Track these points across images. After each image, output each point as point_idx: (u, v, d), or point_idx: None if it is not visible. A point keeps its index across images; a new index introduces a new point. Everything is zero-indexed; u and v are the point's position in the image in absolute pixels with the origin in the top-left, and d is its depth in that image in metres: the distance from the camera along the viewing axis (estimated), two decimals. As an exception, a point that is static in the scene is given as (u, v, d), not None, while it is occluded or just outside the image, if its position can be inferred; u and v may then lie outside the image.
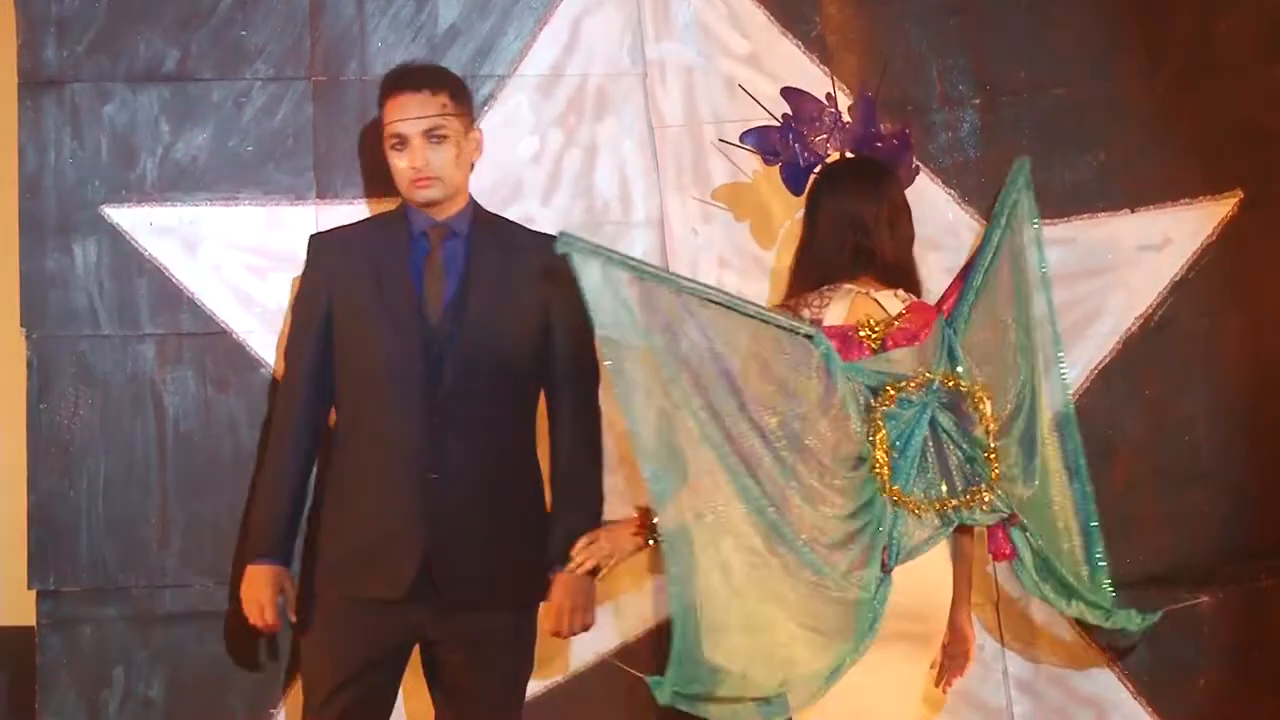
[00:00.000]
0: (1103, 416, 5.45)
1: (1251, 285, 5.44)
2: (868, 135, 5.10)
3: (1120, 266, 5.48)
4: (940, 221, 5.44)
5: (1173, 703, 5.40)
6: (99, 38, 5.37)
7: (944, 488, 4.70)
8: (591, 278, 4.50)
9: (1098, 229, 5.51)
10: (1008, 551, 4.90)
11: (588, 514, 4.75)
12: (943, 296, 4.98)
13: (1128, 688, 5.38)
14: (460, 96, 4.84)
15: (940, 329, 4.75)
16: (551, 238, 4.53)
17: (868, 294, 4.76)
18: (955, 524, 4.71)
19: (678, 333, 4.53)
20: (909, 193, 5.36)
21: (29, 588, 5.10)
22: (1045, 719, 5.46)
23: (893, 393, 4.65)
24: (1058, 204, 5.48)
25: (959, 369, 4.75)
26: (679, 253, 5.44)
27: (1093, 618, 4.99)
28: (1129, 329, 5.45)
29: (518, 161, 5.47)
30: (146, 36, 5.37)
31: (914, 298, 4.81)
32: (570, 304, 4.52)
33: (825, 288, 4.76)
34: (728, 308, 4.63)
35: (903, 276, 4.84)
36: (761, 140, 5.11)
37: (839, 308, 4.72)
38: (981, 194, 5.50)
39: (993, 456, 4.74)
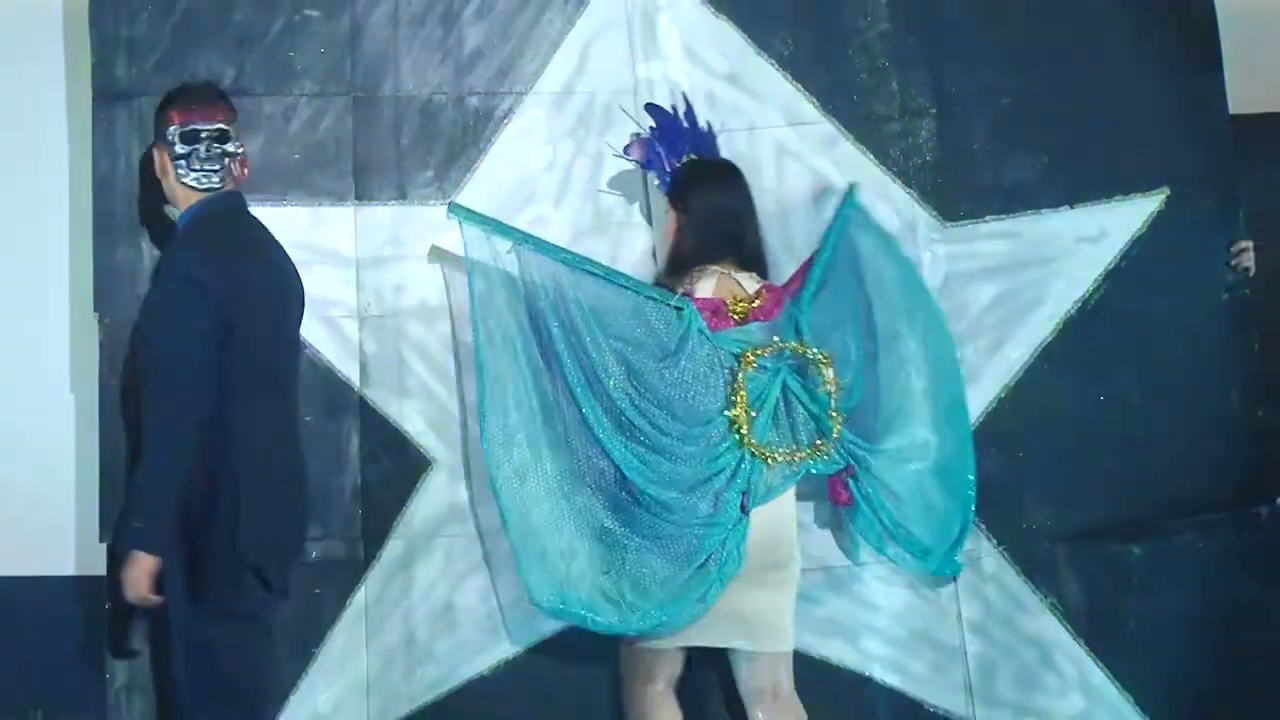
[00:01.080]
0: (1044, 390, 5.71)
1: (1178, 272, 5.75)
2: (697, 135, 5.49)
3: (1060, 257, 5.76)
4: (903, 218, 5.71)
5: (1106, 641, 5.68)
6: (164, 57, 5.56)
7: (793, 441, 5.16)
8: (475, 243, 5.18)
9: (1040, 224, 5.80)
10: (844, 499, 5.32)
11: (130, 501, 4.99)
12: (788, 282, 5.34)
13: (1067, 629, 5.65)
14: (155, 124, 5.15)
15: (787, 308, 5.19)
16: (180, 250, 4.96)
17: (730, 275, 5.21)
18: (803, 472, 5.15)
19: (541, 293, 5.14)
20: (871, 187, 5.65)
21: (100, 541, 5.30)
22: (995, 657, 5.68)
23: (752, 358, 5.13)
24: (1004, 201, 5.77)
25: (806, 340, 5.18)
26: (663, 249, 5.60)
27: (912, 562, 5.41)
28: (1068, 313, 5.74)
29: (533, 169, 5.71)
30: (206, 56, 5.58)
31: (764, 280, 5.24)
32: (145, 308, 5.02)
33: (696, 269, 5.20)
34: (603, 278, 5.18)
35: (756, 262, 5.28)
36: (639, 151, 5.48)
37: (708, 284, 5.20)
38: (938, 193, 5.76)
39: (834, 414, 5.18)
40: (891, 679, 5.67)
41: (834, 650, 5.63)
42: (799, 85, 5.79)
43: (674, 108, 5.51)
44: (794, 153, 5.82)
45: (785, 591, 5.16)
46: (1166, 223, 5.79)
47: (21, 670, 5.62)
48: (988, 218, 5.79)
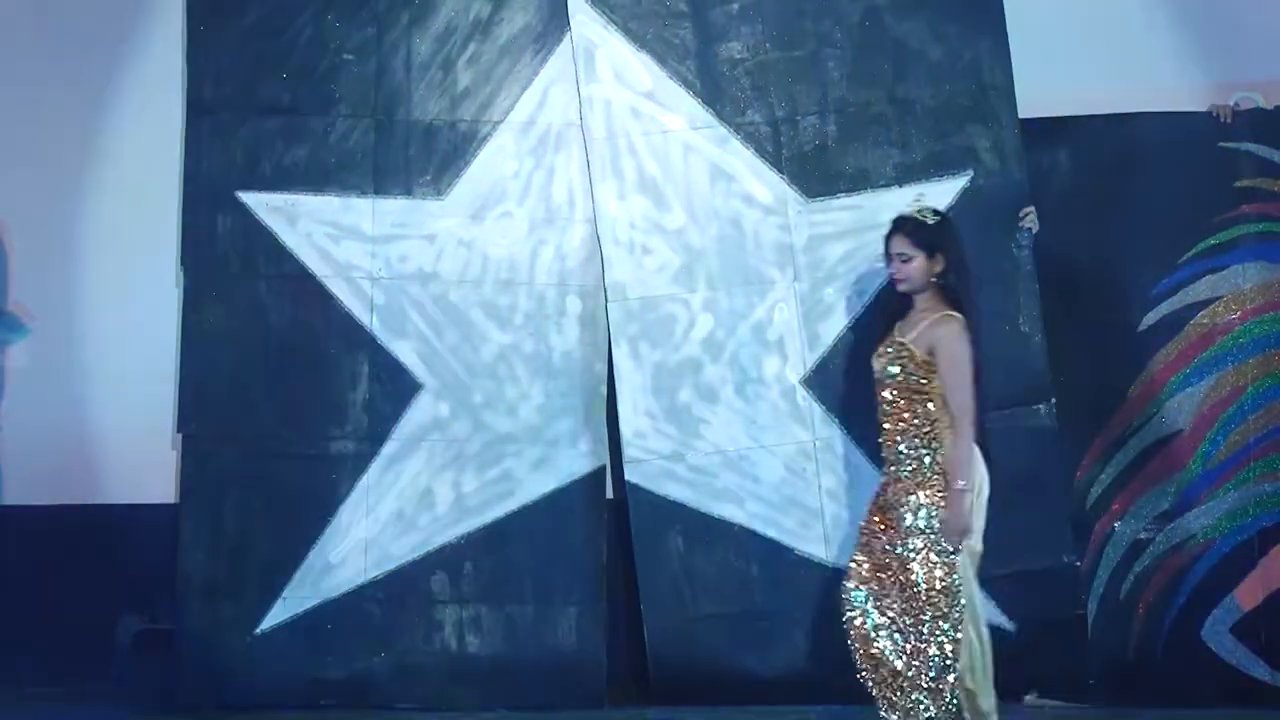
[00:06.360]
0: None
1: (981, 232, 6.69)
2: None
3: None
4: (776, 195, 6.89)
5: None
6: (239, 84, 6.82)
7: None
8: None
9: (877, 199, 6.89)
10: None
11: None
12: None
13: (904, 493, 6.53)
14: None
15: None
16: None
17: None
18: None
19: None
20: (754, 172, 6.73)
21: (177, 431, 6.69)
22: (845, 515, 6.77)
23: None
24: (850, 183, 6.88)
25: None
26: (605, 219, 6.82)
27: None
28: (899, 263, 6.65)
29: (504, 177, 6.91)
30: (270, 85, 6.81)
31: None
32: None
33: None
34: None
35: None
36: None
37: None
38: (802, 178, 6.82)
39: None
40: (769, 532, 6.84)
41: (728, 511, 6.84)
42: (700, 100, 6.98)
43: None
44: (696, 149, 6.98)
45: None
46: (971, 197, 6.88)
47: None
48: (839, 195, 6.93)
